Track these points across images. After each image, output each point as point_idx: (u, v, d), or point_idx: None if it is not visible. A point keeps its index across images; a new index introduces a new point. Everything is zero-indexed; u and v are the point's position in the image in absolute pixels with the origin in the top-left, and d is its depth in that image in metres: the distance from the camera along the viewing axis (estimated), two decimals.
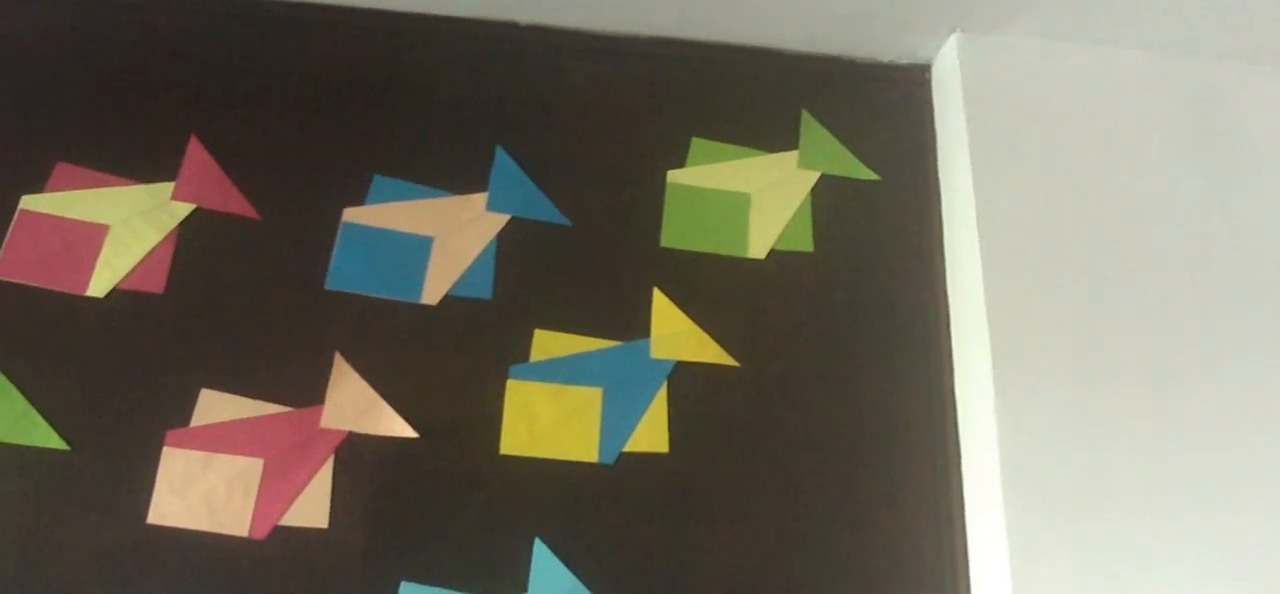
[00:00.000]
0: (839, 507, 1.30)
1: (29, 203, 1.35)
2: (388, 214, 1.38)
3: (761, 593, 1.26)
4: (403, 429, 1.27)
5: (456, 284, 1.34)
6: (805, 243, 1.40)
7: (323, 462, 1.26)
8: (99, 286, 1.29)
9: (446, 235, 1.36)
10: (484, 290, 1.34)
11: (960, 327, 1.35)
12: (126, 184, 1.36)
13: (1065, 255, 1.35)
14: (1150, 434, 1.26)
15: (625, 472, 1.29)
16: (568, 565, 1.24)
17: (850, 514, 1.30)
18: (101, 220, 1.34)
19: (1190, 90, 1.46)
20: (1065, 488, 1.24)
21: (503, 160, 1.43)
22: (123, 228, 1.33)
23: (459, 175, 1.42)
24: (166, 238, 1.33)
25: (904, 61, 1.54)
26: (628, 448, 1.30)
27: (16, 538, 1.20)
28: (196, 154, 1.39)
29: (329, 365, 1.30)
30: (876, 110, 1.51)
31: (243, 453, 1.25)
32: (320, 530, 1.24)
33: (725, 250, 1.39)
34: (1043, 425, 1.26)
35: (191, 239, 1.34)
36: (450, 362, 1.31)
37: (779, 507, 1.30)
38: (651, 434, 1.30)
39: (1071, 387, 1.28)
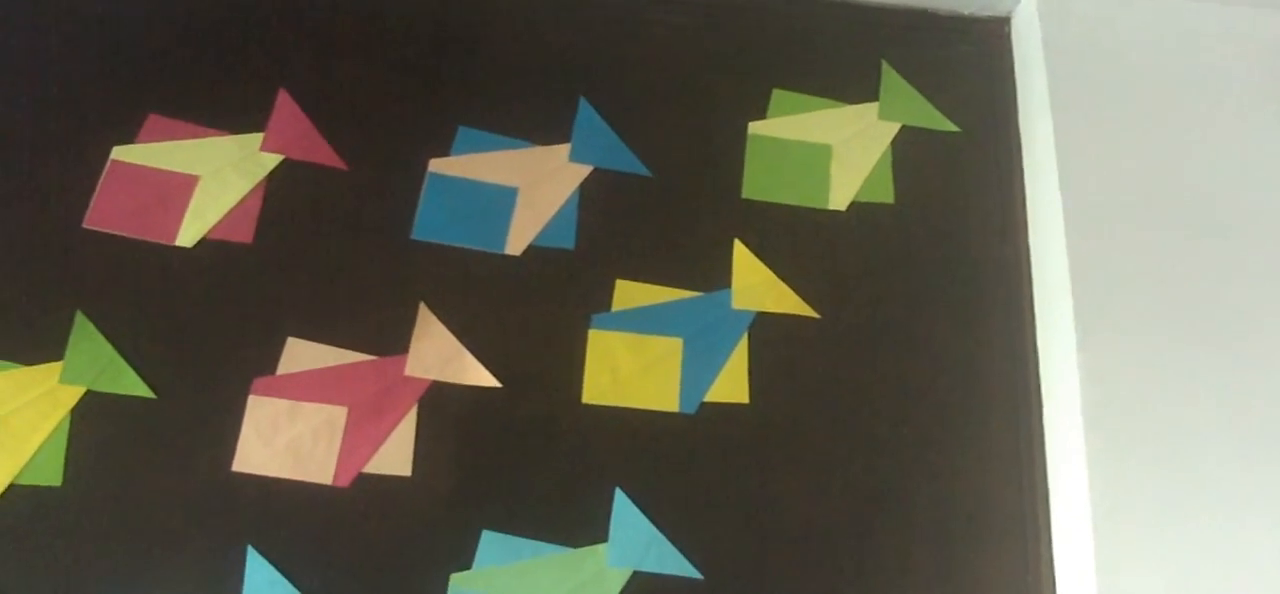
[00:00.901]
0: (919, 458, 1.19)
1: (120, 153, 1.26)
2: (473, 165, 1.28)
3: (841, 544, 1.16)
4: (486, 379, 1.18)
5: (540, 234, 1.24)
6: (886, 194, 1.28)
7: (407, 411, 1.17)
8: (188, 237, 1.21)
9: (530, 186, 1.27)
10: (567, 240, 1.25)
11: (1042, 279, 1.24)
12: (216, 135, 1.28)
13: (1147, 207, 1.22)
14: (1233, 386, 1.15)
15: (706, 422, 1.19)
16: (648, 515, 1.15)
17: (930, 465, 1.19)
18: (191, 171, 1.25)
19: (1273, 42, 1.32)
20: (1148, 439, 1.13)
21: (586, 111, 1.33)
22: (212, 178, 1.24)
23: (542, 126, 1.32)
24: (255, 188, 1.24)
25: (984, 13, 1.41)
26: (708, 398, 1.20)
27: (104, 485, 1.13)
28: (285, 106, 1.30)
29: (413, 315, 1.21)
30: (956, 62, 1.39)
31: (328, 401, 1.16)
32: (404, 479, 1.15)
33: (806, 202, 1.28)
34: (1125, 377, 1.15)
35: (279, 190, 1.25)
36: (533, 312, 1.22)
37: (859, 458, 1.19)
38: (732, 385, 1.20)
39: (1154, 338, 1.16)
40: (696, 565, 1.13)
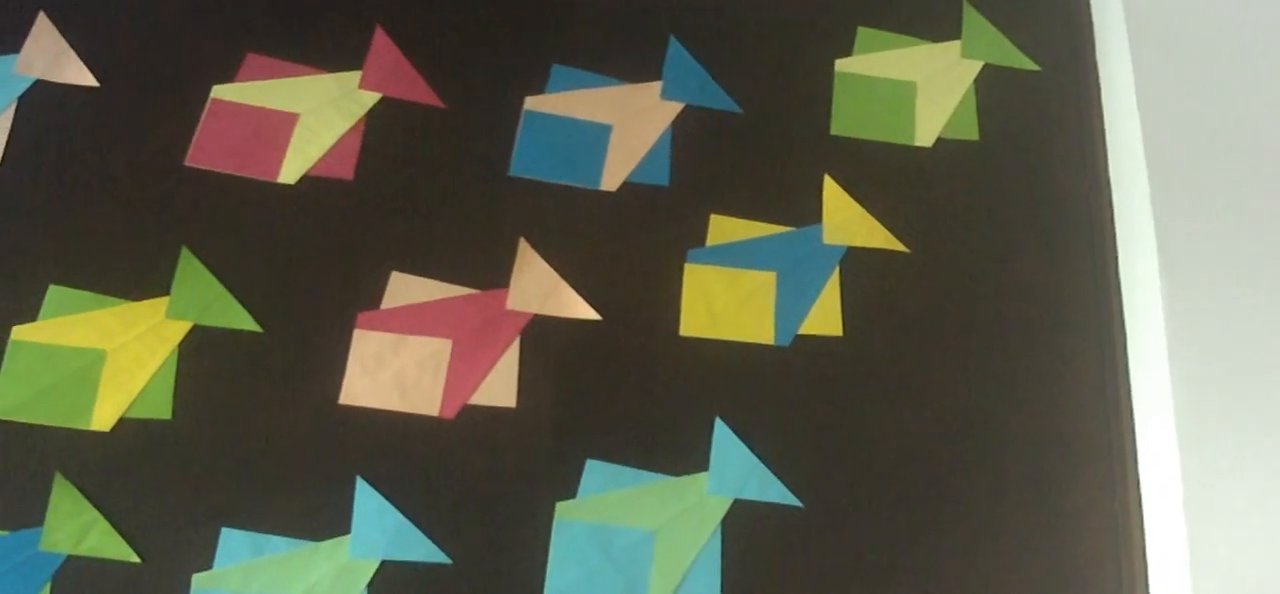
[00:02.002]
0: (1007, 387, 1.11)
1: (220, 92, 1.16)
2: (567, 102, 1.19)
3: (933, 471, 1.07)
4: (586, 311, 1.09)
5: (634, 171, 1.15)
6: (970, 131, 1.19)
7: (509, 343, 1.08)
8: (290, 173, 1.10)
9: (624, 123, 1.17)
10: (661, 177, 1.15)
11: (1123, 211, 1.15)
12: (314, 74, 1.17)
13: (1227, 137, 1.13)
14: None
15: (800, 353, 1.10)
16: (747, 444, 1.06)
17: (1018, 394, 1.10)
18: (291, 109, 1.15)
19: None
20: (1232, 360, 1.05)
21: (676, 50, 1.23)
22: (312, 116, 1.14)
23: (634, 65, 1.22)
24: (354, 126, 1.14)
25: None
26: (803, 331, 1.11)
27: (213, 418, 1.04)
28: (382, 44, 1.20)
29: (513, 249, 1.12)
30: (1035, 1, 1.28)
31: (432, 334, 1.07)
32: (508, 410, 1.06)
33: (893, 138, 1.19)
34: (1208, 304, 1.07)
35: (378, 127, 1.16)
36: (630, 246, 1.13)
37: (949, 387, 1.10)
38: (825, 317, 1.11)
39: (1236, 265, 1.08)
40: (795, 493, 1.04)
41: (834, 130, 1.19)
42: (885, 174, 1.17)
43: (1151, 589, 1.04)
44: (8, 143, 1.12)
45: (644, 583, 1.01)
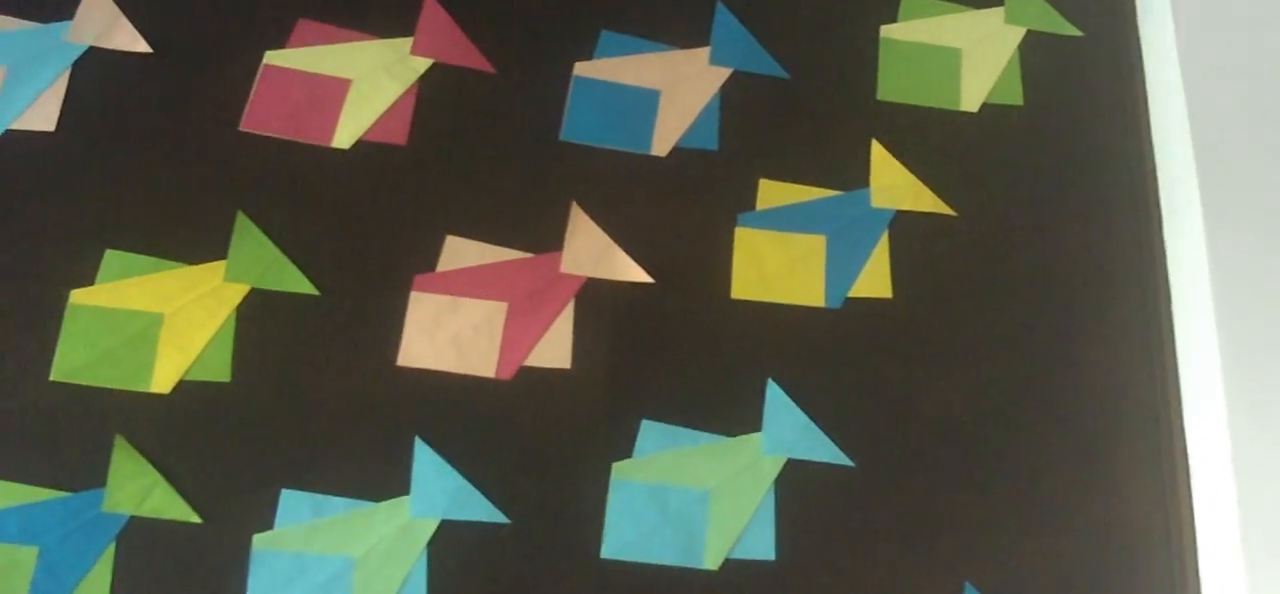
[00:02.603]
0: (1053, 348, 1.07)
1: (272, 58, 1.12)
2: (616, 68, 1.14)
3: (981, 430, 1.04)
4: (638, 274, 1.05)
5: (684, 136, 1.11)
6: (1015, 96, 1.15)
7: (563, 305, 1.04)
8: (344, 138, 1.06)
9: (673, 88, 1.13)
10: (710, 142, 1.11)
11: (1166, 176, 1.11)
12: (366, 39, 1.13)
13: (1271, 102, 1.09)
14: None
15: (851, 316, 1.07)
16: (799, 405, 1.02)
17: (1064, 355, 1.07)
18: (343, 74, 1.11)
19: None
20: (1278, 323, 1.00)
21: (723, 15, 1.19)
22: (364, 82, 1.10)
23: (682, 30, 1.18)
24: (407, 91, 1.10)
25: None
26: (853, 293, 1.07)
27: (272, 380, 1.01)
28: (432, 10, 1.16)
29: (566, 213, 1.08)
30: None
31: (487, 297, 1.03)
32: (563, 371, 1.02)
33: (939, 103, 1.15)
34: (1255, 269, 1.03)
35: (431, 93, 1.12)
36: (680, 210, 1.09)
37: (996, 348, 1.07)
38: (875, 280, 1.08)
39: None
40: (847, 453, 1.01)
41: (880, 96, 1.15)
42: (932, 139, 1.13)
43: (1200, 551, 1.00)
44: (62, 109, 1.07)
45: (700, 541, 0.98)
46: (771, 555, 0.98)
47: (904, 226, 1.09)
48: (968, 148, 1.13)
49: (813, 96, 1.14)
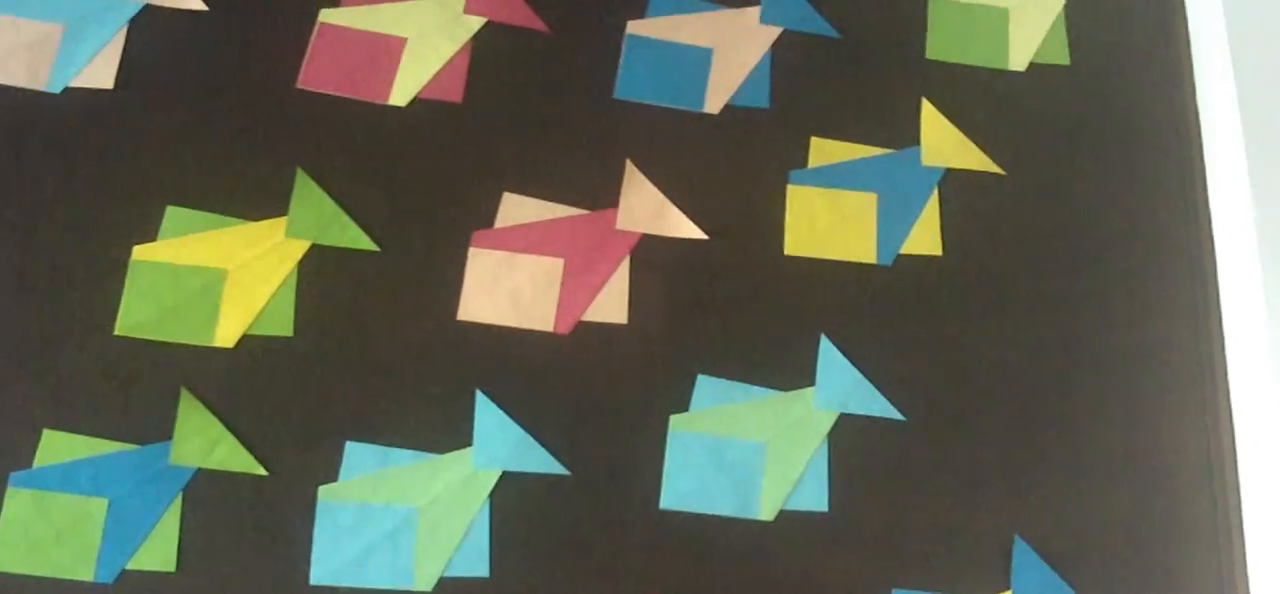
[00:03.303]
0: (1100, 303, 1.04)
1: (327, 16, 1.07)
2: (669, 27, 1.10)
3: (1033, 387, 1.01)
4: (693, 231, 1.01)
5: (736, 94, 1.07)
6: (1062, 56, 1.11)
7: (619, 262, 1.01)
8: (400, 96, 1.01)
9: (725, 47, 1.08)
10: (762, 100, 1.06)
11: (1212, 132, 1.08)
12: None
13: None
14: None
15: (902, 272, 1.03)
16: (851, 360, 0.99)
17: (1111, 310, 1.03)
18: (398, 33, 1.06)
19: None
20: None
21: None
22: (420, 40, 1.06)
23: None
24: (461, 50, 1.05)
25: None
26: (903, 250, 1.03)
27: (334, 334, 0.97)
28: None
29: (620, 170, 1.03)
30: None
31: (545, 253, 0.99)
32: (620, 326, 0.99)
33: (987, 63, 1.11)
34: None
35: (485, 52, 1.07)
36: (733, 167, 1.05)
37: (1046, 306, 1.03)
38: (925, 237, 1.04)
39: None
40: (898, 407, 0.98)
41: (929, 54, 1.10)
42: (980, 98, 1.09)
43: (1244, 502, 0.96)
44: (119, 67, 1.02)
45: (756, 492, 0.95)
46: (825, 507, 0.95)
47: (953, 184, 1.05)
48: (1015, 107, 1.08)
49: (863, 55, 1.10)
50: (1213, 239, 1.04)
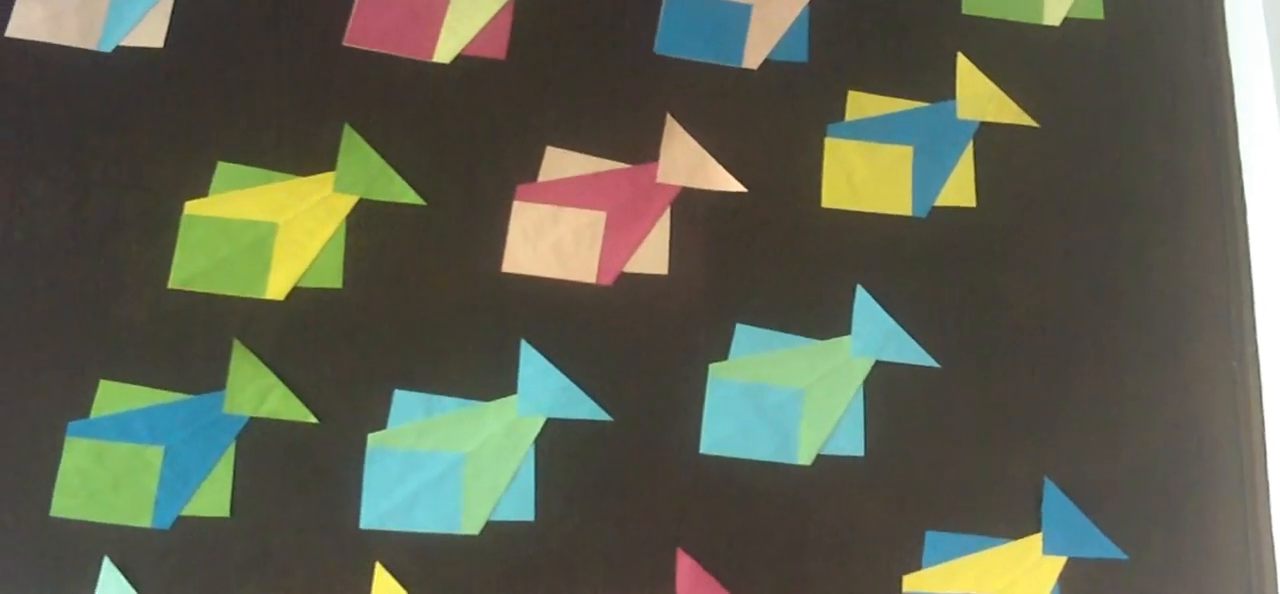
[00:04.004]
0: (1131, 254, 0.99)
1: None
2: None
3: (1064, 335, 0.96)
4: (732, 184, 0.96)
5: (775, 49, 1.00)
6: (1096, 10, 1.05)
7: (660, 214, 0.96)
8: (445, 53, 0.95)
9: (763, 3, 1.03)
10: (800, 54, 1.00)
11: (1243, 85, 1.01)
12: None
13: None
14: None
15: (937, 224, 0.98)
16: (887, 309, 0.94)
17: (1141, 260, 0.99)
18: None
19: None
20: None
21: None
22: None
23: None
24: (504, 7, 1.01)
25: None
26: (938, 202, 0.98)
27: (382, 287, 0.92)
28: None
29: (661, 125, 0.98)
30: None
31: (587, 206, 0.94)
32: (661, 277, 0.94)
33: (1022, 17, 1.05)
34: None
35: (527, 9, 1.01)
36: (772, 121, 0.99)
37: (1076, 255, 0.98)
38: (960, 189, 0.99)
39: None
40: (933, 355, 0.93)
41: (965, 9, 1.04)
42: (1015, 52, 1.03)
43: (1270, 449, 0.91)
44: (169, 25, 0.96)
45: (794, 437, 0.91)
46: (861, 452, 0.91)
47: (988, 137, 1.00)
48: (1050, 61, 1.03)
49: (899, 10, 1.03)
50: (1243, 190, 0.99)
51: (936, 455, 0.92)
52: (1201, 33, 1.04)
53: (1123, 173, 0.99)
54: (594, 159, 0.96)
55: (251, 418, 0.88)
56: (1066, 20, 1.03)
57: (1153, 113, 1.01)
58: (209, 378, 0.89)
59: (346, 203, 0.93)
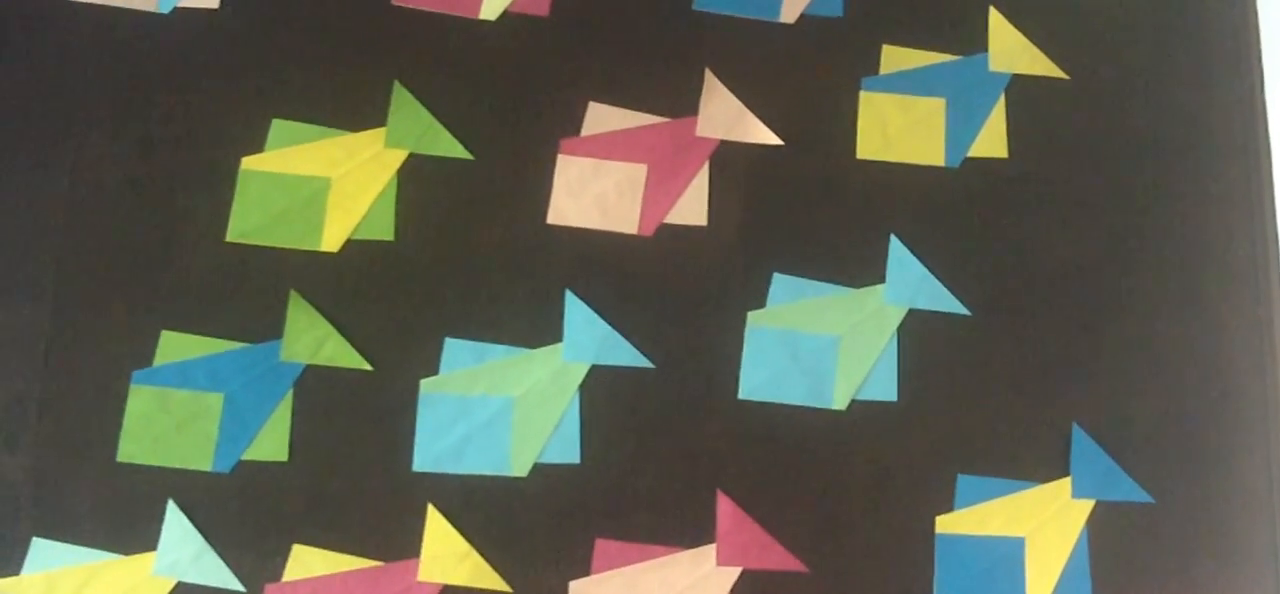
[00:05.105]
0: (1159, 203, 0.90)
1: None
2: None
3: (1090, 280, 0.87)
4: (769, 137, 0.87)
5: (811, 3, 0.92)
6: None
7: (699, 167, 0.87)
8: (490, 10, 0.88)
9: None
10: (835, 9, 0.92)
11: (1270, 37, 0.87)
12: None
13: None
14: None
15: (968, 174, 0.89)
16: (920, 258, 0.86)
17: (1169, 209, 0.89)
18: None
19: None
20: None
21: None
22: None
23: None
24: None
25: None
26: (971, 153, 0.89)
27: (432, 238, 0.85)
28: None
29: (700, 80, 0.89)
30: None
31: (628, 160, 0.86)
32: (700, 227, 0.86)
33: None
34: None
35: None
36: (808, 75, 0.91)
37: (1105, 203, 0.89)
38: (991, 140, 0.90)
39: None
40: (965, 303, 0.85)
41: None
42: (1046, 5, 0.93)
43: None
44: None
45: (830, 383, 0.83)
46: (893, 397, 0.83)
47: (1019, 89, 0.90)
48: (1079, 13, 0.93)
49: None
50: (1270, 140, 0.89)
51: (968, 401, 0.84)
52: None
53: (1150, 123, 0.91)
54: (635, 114, 0.87)
55: (308, 365, 0.82)
56: None
57: (1180, 62, 0.92)
58: (266, 327, 0.82)
59: (397, 157, 0.85)
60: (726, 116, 0.88)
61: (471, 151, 0.86)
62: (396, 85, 0.87)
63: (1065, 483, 0.83)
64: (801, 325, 0.84)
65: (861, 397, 0.84)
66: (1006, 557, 0.82)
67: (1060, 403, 0.85)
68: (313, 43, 0.89)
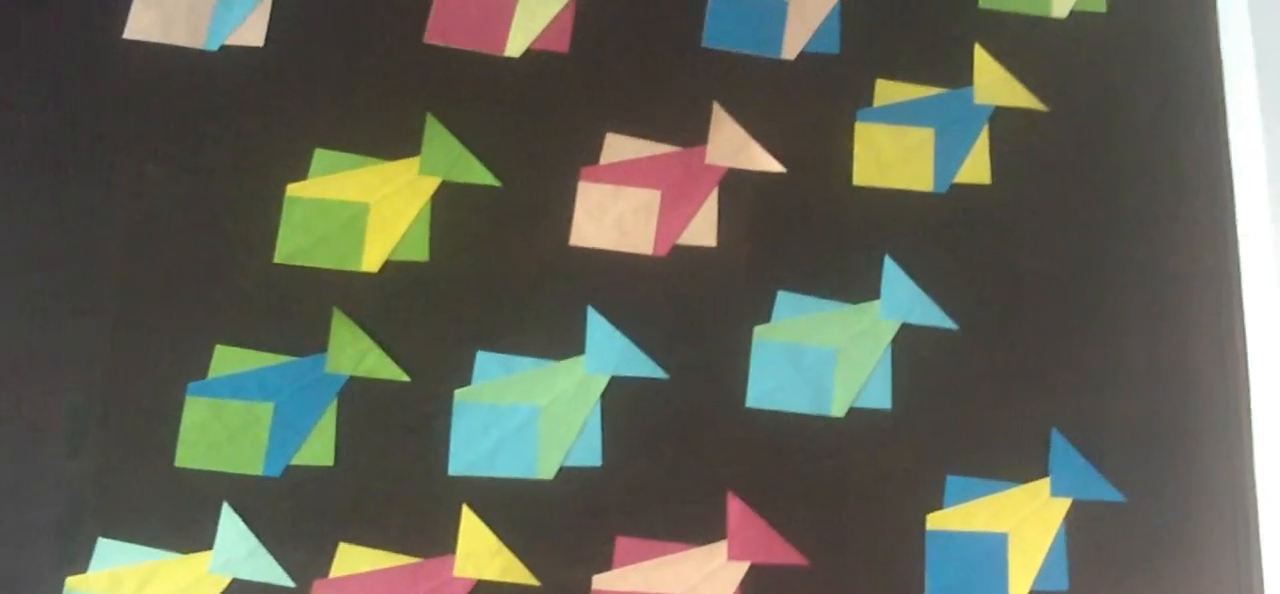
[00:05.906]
0: (1132, 226, 0.90)
1: None
2: None
3: (1066, 299, 0.88)
4: (773, 165, 0.88)
5: (810, 40, 0.92)
6: (1100, 5, 0.95)
7: (709, 192, 0.87)
8: (515, 47, 0.86)
9: None
10: (833, 46, 0.91)
11: (1233, 77, 0.91)
12: None
13: None
14: None
15: (955, 199, 0.89)
16: (911, 277, 0.86)
17: (1141, 232, 0.89)
18: None
19: None
20: None
21: None
22: None
23: None
24: (567, 5, 0.92)
25: None
26: (957, 179, 0.90)
27: (464, 259, 0.85)
28: None
29: (708, 112, 0.89)
30: None
31: (644, 186, 0.86)
32: (710, 248, 0.86)
33: (1033, 11, 0.95)
34: None
35: (587, 6, 0.92)
36: (808, 107, 0.91)
37: (1082, 226, 0.90)
38: (976, 167, 0.90)
39: None
40: (952, 318, 0.86)
41: (981, 4, 0.94)
42: (1027, 42, 0.93)
43: (1254, 405, 0.85)
44: (268, 26, 0.88)
45: (829, 390, 0.84)
46: (888, 405, 0.84)
47: (1002, 120, 0.91)
48: (1058, 50, 0.93)
49: (922, 5, 0.94)
50: (1232, 169, 0.90)
51: (956, 408, 0.85)
52: (1195, 26, 0.94)
53: (1123, 153, 0.91)
54: (649, 143, 0.87)
55: (351, 377, 0.82)
56: (1073, 13, 0.94)
57: (1151, 98, 0.92)
58: (312, 342, 0.82)
59: (431, 184, 0.85)
60: (733, 146, 0.88)
61: (499, 178, 0.86)
62: (429, 118, 0.87)
63: (1045, 483, 0.83)
64: (803, 339, 0.85)
65: (859, 404, 0.84)
66: (991, 550, 0.82)
67: (1040, 409, 0.85)
68: (352, 78, 0.88)
